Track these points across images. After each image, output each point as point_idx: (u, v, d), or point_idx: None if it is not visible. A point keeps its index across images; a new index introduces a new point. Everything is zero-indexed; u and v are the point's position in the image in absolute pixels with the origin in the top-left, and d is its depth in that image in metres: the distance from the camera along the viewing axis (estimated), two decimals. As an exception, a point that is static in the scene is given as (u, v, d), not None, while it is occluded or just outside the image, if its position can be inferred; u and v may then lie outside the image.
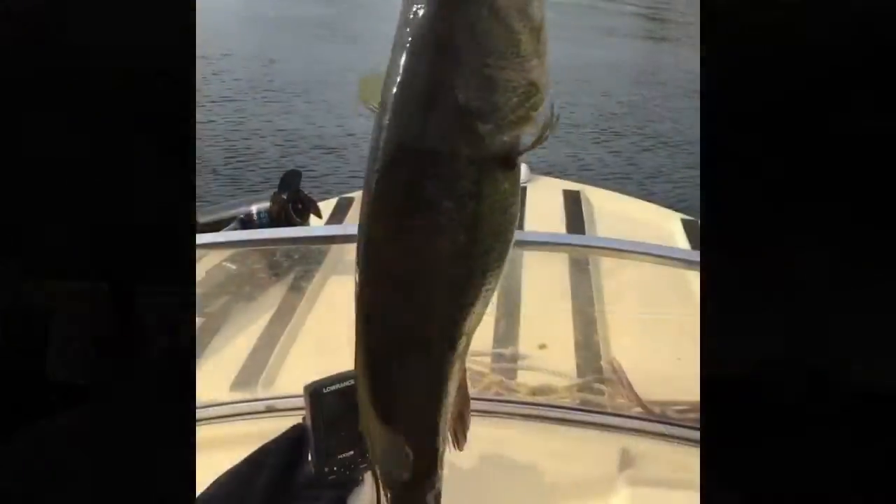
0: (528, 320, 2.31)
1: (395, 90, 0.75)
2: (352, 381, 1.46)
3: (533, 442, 1.70)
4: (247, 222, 2.83)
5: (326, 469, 1.46)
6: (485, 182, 0.76)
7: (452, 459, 1.50)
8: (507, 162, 0.77)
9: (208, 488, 1.36)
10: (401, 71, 0.74)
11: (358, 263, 0.83)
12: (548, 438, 1.70)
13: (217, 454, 1.38)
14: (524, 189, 3.82)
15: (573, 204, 3.44)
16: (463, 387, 0.94)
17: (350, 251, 2.84)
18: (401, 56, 0.74)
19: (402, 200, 0.78)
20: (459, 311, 0.84)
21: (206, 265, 2.21)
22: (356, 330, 0.86)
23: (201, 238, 1.62)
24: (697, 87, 0.75)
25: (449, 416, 0.93)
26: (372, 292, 0.84)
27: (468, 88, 0.73)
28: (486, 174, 0.76)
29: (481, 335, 2.34)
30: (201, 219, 2.71)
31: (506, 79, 0.73)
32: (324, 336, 2.31)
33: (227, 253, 2.25)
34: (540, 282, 2.49)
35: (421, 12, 0.73)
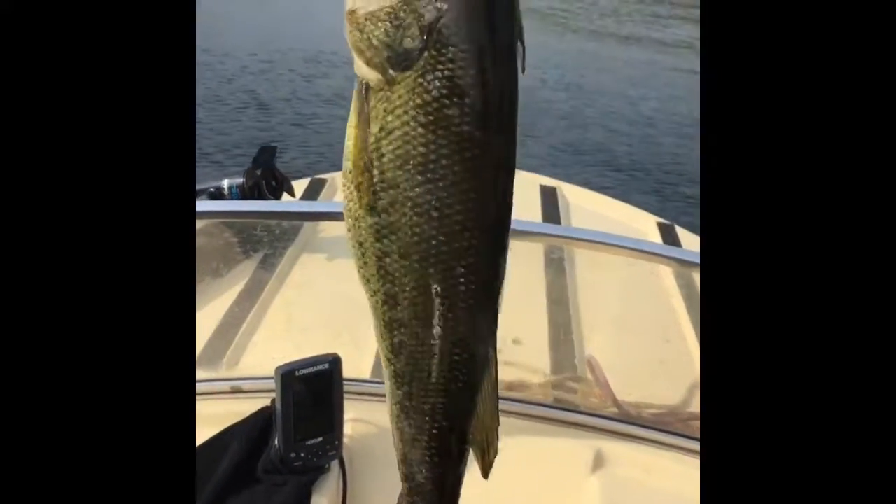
0: (503, 315, 2.27)
1: None
2: (325, 366, 1.42)
3: (506, 438, 1.66)
4: (217, 196, 2.73)
5: (293, 455, 1.41)
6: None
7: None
8: None
9: None
10: None
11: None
12: (521, 435, 1.66)
13: None
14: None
15: (550, 199, 3.40)
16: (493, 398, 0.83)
17: (323, 229, 2.75)
18: None
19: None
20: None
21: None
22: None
23: None
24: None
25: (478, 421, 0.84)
26: None
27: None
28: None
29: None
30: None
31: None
32: (293, 316, 2.24)
33: (197, 224, 2.17)
34: (515, 276, 2.45)
35: None
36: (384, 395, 1.81)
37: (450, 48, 0.64)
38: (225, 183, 2.73)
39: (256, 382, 1.66)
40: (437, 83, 0.65)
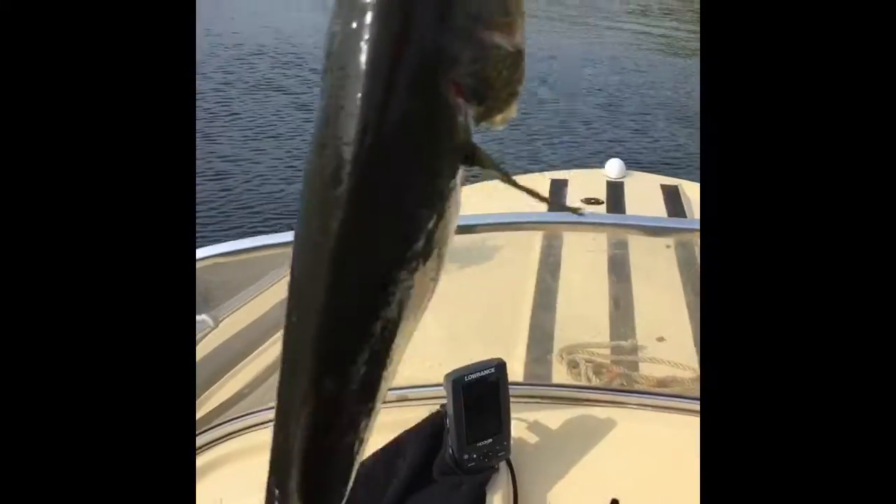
0: (641, 314, 2.30)
1: (359, 59, 0.54)
2: (492, 370, 1.51)
3: (661, 434, 1.70)
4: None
5: (466, 456, 1.50)
6: (455, 180, 0.60)
7: (584, 446, 1.51)
8: (474, 152, 0.60)
9: None
10: (365, 36, 0.54)
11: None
12: (675, 431, 1.70)
13: None
14: (621, 184, 3.79)
15: (673, 198, 3.40)
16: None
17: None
18: (362, 18, 0.54)
19: (375, 213, 0.59)
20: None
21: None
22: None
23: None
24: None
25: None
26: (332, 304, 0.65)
27: (459, 61, 0.55)
28: (456, 169, 0.60)
29: (598, 327, 2.30)
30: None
31: (496, 45, 0.56)
32: (451, 326, 2.33)
33: None
34: (654, 274, 2.48)
35: None
36: (540, 397, 1.85)
37: None
38: None
39: (421, 391, 1.76)
40: None
